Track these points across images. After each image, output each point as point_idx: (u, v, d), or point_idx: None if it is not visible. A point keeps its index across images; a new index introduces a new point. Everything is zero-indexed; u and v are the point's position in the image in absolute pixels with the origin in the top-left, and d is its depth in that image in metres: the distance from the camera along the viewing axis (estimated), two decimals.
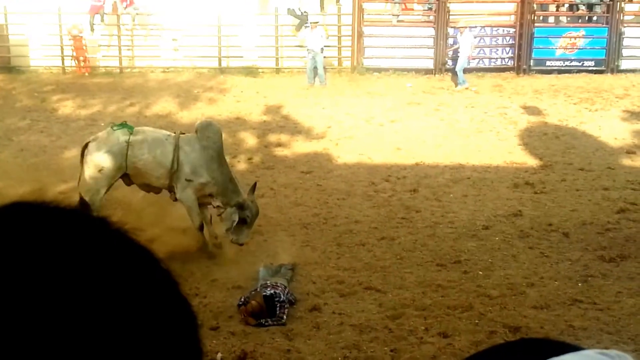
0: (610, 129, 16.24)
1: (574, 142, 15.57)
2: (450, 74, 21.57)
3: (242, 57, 22.70)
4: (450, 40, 22.16)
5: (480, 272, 9.64)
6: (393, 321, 8.23)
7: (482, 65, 22.29)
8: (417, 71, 21.81)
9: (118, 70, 23.29)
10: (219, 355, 7.49)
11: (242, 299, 8.44)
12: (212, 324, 8.20)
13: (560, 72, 21.58)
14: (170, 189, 10.08)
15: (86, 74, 23.24)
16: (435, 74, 21.74)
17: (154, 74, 21.85)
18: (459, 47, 20.96)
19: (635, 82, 19.71)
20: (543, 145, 15.40)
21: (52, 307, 0.60)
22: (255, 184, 10.49)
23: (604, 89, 19.29)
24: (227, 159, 14.48)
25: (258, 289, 8.52)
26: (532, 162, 14.49)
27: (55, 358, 0.59)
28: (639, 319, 8.31)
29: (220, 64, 22.77)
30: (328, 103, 18.38)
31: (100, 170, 9.90)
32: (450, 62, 21.67)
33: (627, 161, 14.37)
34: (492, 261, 9.97)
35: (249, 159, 14.88)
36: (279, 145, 15.57)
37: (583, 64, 21.74)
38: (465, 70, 20.65)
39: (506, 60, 22.48)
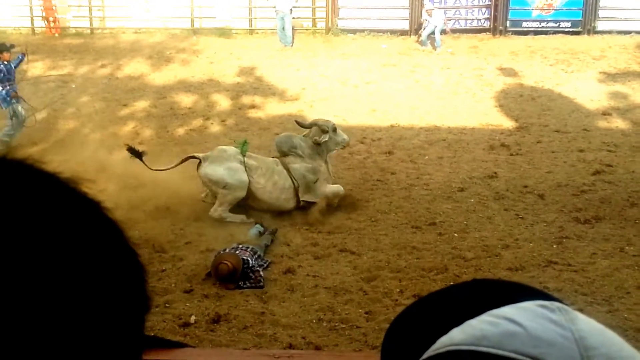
0: (586, 91, 16.19)
1: (549, 104, 15.51)
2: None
3: (215, 17, 22.35)
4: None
5: (456, 234, 9.62)
6: (368, 283, 8.19)
7: (458, 27, 22.09)
8: (393, 32, 21.58)
9: (89, 31, 22.86)
10: (193, 317, 7.47)
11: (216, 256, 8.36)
12: (186, 287, 8.17)
13: (536, 33, 21.46)
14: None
15: (56, 34, 22.80)
16: (410, 35, 21.51)
17: (125, 35, 21.45)
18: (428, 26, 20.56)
19: (612, 44, 19.64)
20: (519, 107, 15.33)
21: None
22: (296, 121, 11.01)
23: (581, 50, 19.20)
24: (200, 121, 14.55)
25: (228, 250, 8.45)
26: (507, 123, 14.42)
27: None
28: (613, 280, 8.33)
29: (193, 24, 22.42)
30: (302, 65, 18.17)
31: (224, 187, 9.96)
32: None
33: (602, 123, 14.34)
34: (467, 223, 9.95)
35: (223, 121, 14.70)
36: (253, 107, 15.37)
37: (559, 25, 21.62)
38: (442, 32, 20.42)
39: (482, 21, 22.31)
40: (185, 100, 15.82)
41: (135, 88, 16.44)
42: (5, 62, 13.24)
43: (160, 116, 14.80)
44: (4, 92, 13.07)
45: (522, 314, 0.70)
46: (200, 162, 10.12)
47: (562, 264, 8.72)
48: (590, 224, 9.82)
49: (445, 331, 0.74)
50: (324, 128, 10.37)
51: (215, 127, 14.35)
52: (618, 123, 14.30)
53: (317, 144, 10.32)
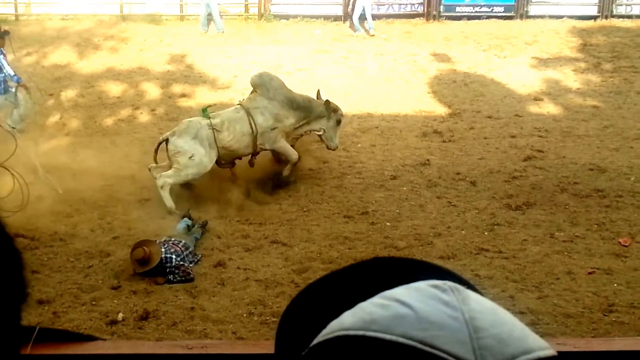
0: (518, 76, 16.28)
1: (482, 90, 15.56)
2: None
3: (144, 3, 21.87)
4: None
5: (388, 223, 9.60)
6: (299, 275, 8.15)
7: (391, 12, 22.01)
8: (326, 18, 21.39)
9: (13, 18, 22.13)
10: (120, 315, 7.37)
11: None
12: (113, 283, 8.07)
13: (470, 18, 21.48)
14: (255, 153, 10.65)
15: None
16: (344, 20, 21.36)
17: (52, 22, 20.78)
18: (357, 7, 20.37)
19: (544, 28, 19.78)
20: (452, 93, 15.34)
21: None
22: (318, 90, 11.23)
23: (513, 35, 19.29)
24: (129, 110, 14.22)
25: (158, 242, 8.38)
26: (440, 110, 14.42)
27: None
28: (544, 266, 8.42)
29: (122, 10, 21.83)
30: (234, 52, 17.89)
31: (190, 157, 10.08)
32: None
33: (534, 108, 14.44)
34: (400, 212, 9.93)
35: (152, 110, 14.40)
36: (183, 95, 15.08)
37: (493, 9, 21.67)
38: (374, 17, 20.32)
39: (416, 6, 22.23)
40: (114, 89, 15.44)
41: (62, 77, 15.98)
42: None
43: (88, 106, 14.42)
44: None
45: (413, 295, 0.70)
46: (167, 140, 10.22)
47: (494, 251, 8.80)
48: (521, 210, 9.89)
49: (338, 314, 0.73)
50: (334, 107, 10.87)
51: (144, 117, 14.06)
52: (549, 108, 14.42)
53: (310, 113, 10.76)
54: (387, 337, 0.66)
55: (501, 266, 8.42)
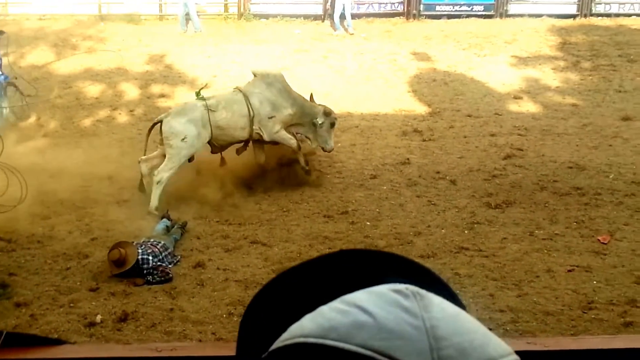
0: (498, 75, 16.29)
1: (462, 89, 15.56)
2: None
3: (123, 2, 21.72)
4: None
5: (368, 223, 9.58)
6: None
7: (371, 11, 21.98)
8: (306, 17, 21.33)
9: None
10: (99, 317, 7.32)
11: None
12: (91, 285, 8.00)
13: (449, 17, 21.49)
14: (247, 140, 10.69)
15: None
16: (324, 20, 21.31)
17: (29, 22, 20.62)
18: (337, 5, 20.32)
19: (524, 27, 19.81)
20: (432, 92, 15.33)
21: None
22: (311, 94, 11.26)
23: (493, 34, 19.31)
24: (108, 111, 14.12)
25: (136, 244, 8.34)
26: (420, 109, 14.41)
27: None
28: (523, 264, 8.41)
29: (100, 10, 21.68)
30: (214, 51, 17.79)
31: (183, 139, 10.12)
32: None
33: (514, 107, 14.46)
34: (380, 211, 9.91)
35: (131, 111, 14.29)
36: (162, 96, 14.98)
37: (472, 8, 21.70)
38: (354, 16, 20.30)
39: (396, 5, 22.21)
40: (92, 90, 15.30)
41: (39, 77, 15.82)
42: None
43: (66, 107, 14.30)
44: None
45: (374, 301, 0.69)
46: (161, 122, 10.31)
47: (474, 250, 8.79)
48: (501, 209, 9.89)
49: (300, 312, 0.72)
50: (327, 110, 10.81)
51: (123, 117, 13.96)
52: (529, 107, 14.45)
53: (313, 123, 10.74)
54: (346, 346, 0.65)
55: (481, 264, 8.41)
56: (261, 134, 10.53)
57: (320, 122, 10.66)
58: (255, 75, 10.89)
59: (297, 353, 0.68)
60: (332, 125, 10.85)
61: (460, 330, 0.67)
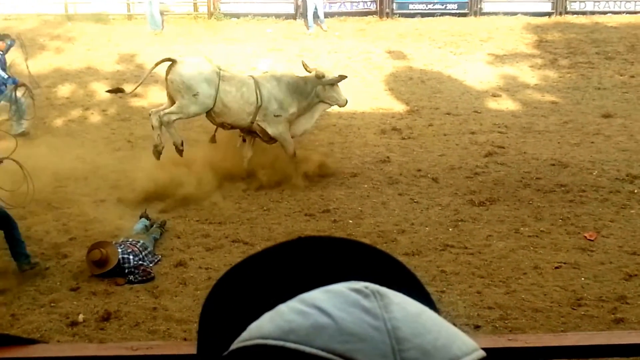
0: (475, 73, 16.22)
1: (439, 87, 15.46)
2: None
3: (90, 2, 21.36)
4: None
5: (350, 221, 9.50)
6: None
7: (344, 9, 21.84)
8: (278, 16, 21.13)
9: None
10: (81, 316, 7.37)
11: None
12: (72, 285, 8.04)
13: (423, 15, 21.41)
14: (249, 130, 10.61)
15: None
16: (296, 18, 21.12)
17: None
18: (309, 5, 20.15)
19: (499, 25, 19.79)
20: (409, 90, 15.21)
21: None
22: (303, 61, 11.30)
23: (468, 32, 19.25)
24: (80, 111, 13.84)
25: (115, 243, 8.32)
26: (398, 107, 14.27)
27: None
28: (510, 262, 8.37)
29: (66, 10, 21.30)
30: (185, 51, 17.47)
31: (194, 95, 10.09)
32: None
33: (492, 104, 14.37)
34: (362, 209, 9.81)
35: (103, 110, 14.06)
36: (135, 95, 14.65)
37: (446, 6, 21.62)
38: (326, 15, 20.14)
39: (368, 3, 22.10)
40: (62, 90, 15.03)
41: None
42: (0, 52, 12.85)
43: (36, 107, 13.96)
44: None
45: (333, 302, 0.67)
46: (173, 62, 10.30)
47: (459, 247, 8.75)
48: (485, 206, 9.80)
49: (258, 309, 0.70)
50: (318, 74, 10.59)
51: (95, 117, 13.72)
52: (508, 104, 14.37)
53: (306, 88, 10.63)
54: (307, 349, 0.64)
55: (467, 262, 8.35)
56: (262, 127, 10.45)
57: (319, 90, 10.67)
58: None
59: (257, 354, 0.66)
60: (332, 83, 10.69)
61: (423, 330, 0.65)
